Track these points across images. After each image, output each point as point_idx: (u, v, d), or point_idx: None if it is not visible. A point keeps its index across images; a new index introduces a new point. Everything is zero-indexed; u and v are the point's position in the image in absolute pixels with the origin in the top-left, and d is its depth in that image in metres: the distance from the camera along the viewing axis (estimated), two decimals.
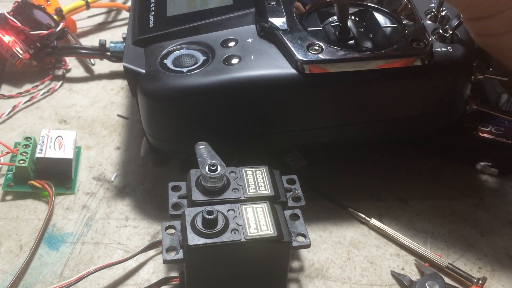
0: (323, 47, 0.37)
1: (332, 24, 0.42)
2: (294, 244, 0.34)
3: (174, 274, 0.38)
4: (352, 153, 0.47)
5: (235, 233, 0.32)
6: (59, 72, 0.56)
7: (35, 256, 0.38)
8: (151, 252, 0.38)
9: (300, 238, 0.34)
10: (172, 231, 0.34)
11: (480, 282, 0.37)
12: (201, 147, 0.36)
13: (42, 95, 0.53)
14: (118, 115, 0.51)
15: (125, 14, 0.66)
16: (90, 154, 0.47)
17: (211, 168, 0.35)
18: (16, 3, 0.54)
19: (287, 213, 0.35)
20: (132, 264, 0.38)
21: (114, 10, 0.67)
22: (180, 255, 0.33)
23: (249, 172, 0.37)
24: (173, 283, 0.36)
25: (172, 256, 0.33)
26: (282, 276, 0.36)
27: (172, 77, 0.37)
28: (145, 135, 0.42)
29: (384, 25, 0.41)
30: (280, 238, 0.33)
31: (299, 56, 0.37)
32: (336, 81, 0.37)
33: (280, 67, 0.37)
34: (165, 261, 0.33)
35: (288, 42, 0.38)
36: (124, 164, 0.46)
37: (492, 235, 0.42)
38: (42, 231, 0.39)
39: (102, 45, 0.54)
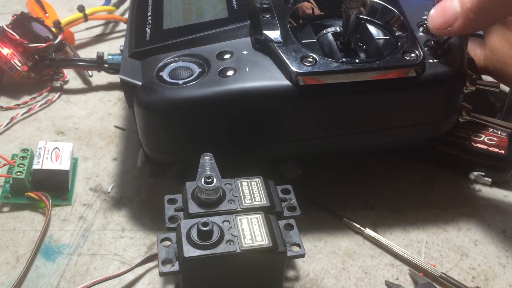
0: (317, 59, 0.38)
1: (332, 32, 0.42)
2: (289, 254, 0.34)
3: (170, 285, 0.38)
4: (346, 163, 0.48)
5: (230, 244, 0.33)
6: (57, 84, 0.56)
7: (32, 268, 0.38)
8: (147, 264, 0.39)
9: (295, 248, 0.35)
10: (168, 243, 0.34)
11: None
12: (206, 158, 0.37)
13: (39, 106, 0.53)
14: (115, 126, 0.51)
15: (122, 26, 0.67)
16: (87, 165, 0.47)
17: (207, 180, 0.35)
18: (15, 16, 0.54)
19: (282, 223, 0.36)
20: (128, 275, 0.38)
21: (112, 22, 0.67)
22: (176, 267, 0.33)
23: (244, 183, 0.37)
24: None
25: (168, 268, 0.33)
26: (277, 286, 0.36)
27: (168, 89, 0.38)
28: (141, 146, 0.42)
29: (377, 37, 0.42)
30: (275, 248, 0.33)
31: (293, 68, 0.37)
32: (330, 92, 0.38)
33: (275, 79, 0.38)
34: (161, 274, 0.33)
35: (282, 54, 0.38)
36: (121, 175, 0.46)
37: (486, 244, 0.42)
38: (38, 243, 0.40)
39: (100, 57, 0.54)
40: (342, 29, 0.42)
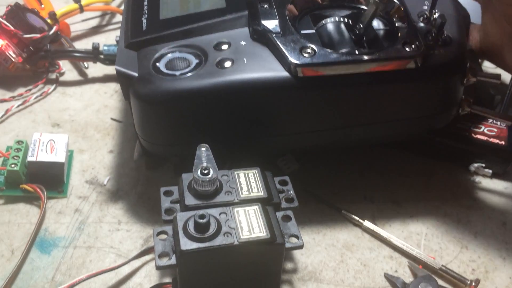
0: (316, 50, 0.37)
1: (331, 23, 0.41)
2: (287, 245, 0.34)
3: (166, 277, 0.37)
4: (345, 155, 0.47)
5: (227, 236, 0.32)
6: (53, 76, 0.56)
7: (27, 261, 0.38)
8: (144, 257, 0.38)
9: (293, 239, 0.34)
10: (164, 236, 0.34)
11: (473, 284, 0.37)
12: (202, 149, 0.36)
13: (35, 98, 0.53)
14: (112, 119, 0.51)
15: (119, 18, 0.66)
16: (83, 158, 0.46)
17: (203, 171, 0.35)
18: (9, 7, 0.54)
19: (279, 214, 0.35)
20: (124, 268, 0.38)
21: (108, 13, 0.66)
22: (172, 260, 0.33)
23: (241, 175, 0.36)
24: None
25: (164, 262, 0.33)
26: (276, 278, 0.36)
27: (165, 81, 0.37)
28: (138, 138, 0.42)
29: (377, 28, 0.41)
30: (273, 239, 0.33)
31: (292, 59, 0.37)
32: (329, 84, 0.37)
33: (273, 70, 0.37)
34: (158, 267, 0.33)
35: (281, 45, 0.37)
36: (117, 167, 0.46)
37: (486, 236, 0.42)
38: (33, 235, 0.39)
39: (96, 48, 0.54)
40: (350, 20, 0.41)
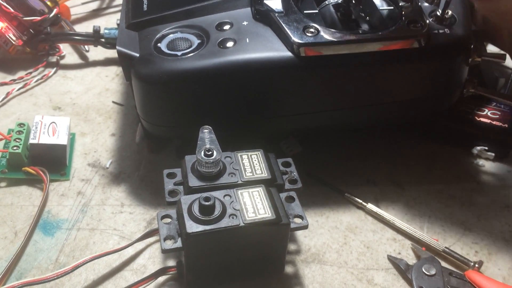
0: (319, 29, 0.37)
1: (334, 4, 0.41)
2: (292, 225, 0.34)
3: (170, 259, 0.37)
4: (348, 138, 0.47)
5: (233, 218, 0.32)
6: (53, 59, 0.55)
7: (30, 242, 0.38)
8: (148, 239, 0.38)
9: (298, 220, 0.34)
10: (168, 220, 0.34)
11: (476, 265, 0.37)
12: (205, 131, 0.36)
13: (36, 82, 0.52)
14: (113, 102, 0.51)
15: (119, 1, 0.65)
16: (85, 141, 0.46)
17: (207, 153, 0.34)
18: None
19: (283, 195, 0.35)
20: (128, 250, 0.38)
21: None
22: (178, 243, 0.32)
23: (245, 156, 0.36)
24: (170, 273, 0.36)
25: (170, 245, 0.32)
26: (281, 258, 0.36)
27: (167, 61, 0.37)
28: (140, 121, 0.42)
29: (380, 8, 0.41)
30: (279, 220, 0.32)
31: (295, 38, 0.36)
32: (332, 64, 0.37)
33: (276, 50, 0.37)
34: (164, 251, 0.32)
35: (283, 25, 0.37)
36: (119, 150, 0.46)
37: (489, 219, 0.42)
38: (36, 218, 0.39)
39: (96, 31, 0.53)
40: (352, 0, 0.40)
